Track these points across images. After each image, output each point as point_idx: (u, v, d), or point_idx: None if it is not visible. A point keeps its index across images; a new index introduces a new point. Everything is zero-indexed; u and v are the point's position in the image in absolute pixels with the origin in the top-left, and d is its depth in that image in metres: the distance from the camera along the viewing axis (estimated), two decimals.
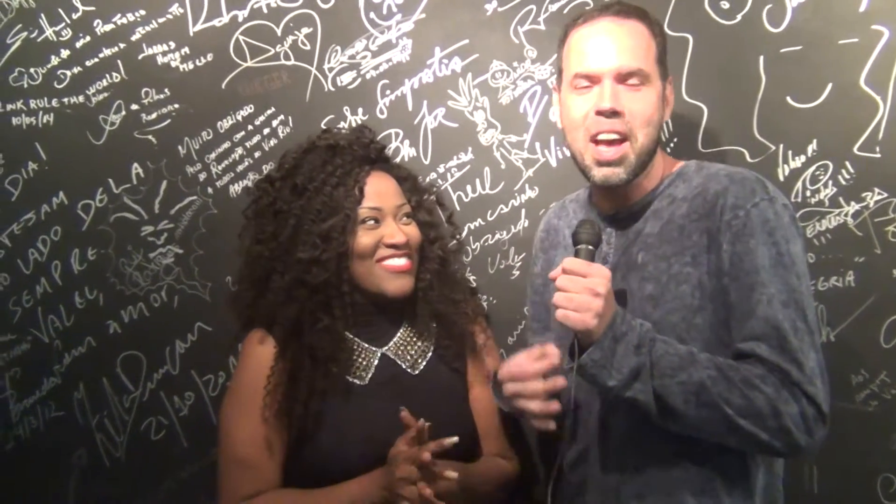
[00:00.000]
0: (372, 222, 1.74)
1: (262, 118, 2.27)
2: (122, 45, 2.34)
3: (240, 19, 2.26)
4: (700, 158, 1.72)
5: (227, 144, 2.29)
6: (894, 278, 1.88)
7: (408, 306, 1.82)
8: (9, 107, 2.42)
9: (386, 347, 1.79)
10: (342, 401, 1.72)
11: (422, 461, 1.54)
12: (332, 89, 2.22)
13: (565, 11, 2.05)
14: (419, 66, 2.17)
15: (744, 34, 1.94)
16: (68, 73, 2.38)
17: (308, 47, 2.23)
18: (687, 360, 1.44)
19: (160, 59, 2.32)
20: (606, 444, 1.60)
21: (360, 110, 2.21)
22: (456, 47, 2.15)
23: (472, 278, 2.11)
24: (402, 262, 1.75)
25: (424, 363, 1.80)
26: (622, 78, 1.55)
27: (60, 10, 2.37)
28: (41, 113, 2.40)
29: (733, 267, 1.48)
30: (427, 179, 2.09)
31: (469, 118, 2.15)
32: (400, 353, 1.79)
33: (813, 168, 1.92)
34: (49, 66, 2.39)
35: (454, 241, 1.93)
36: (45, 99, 2.40)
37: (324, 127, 2.15)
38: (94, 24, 2.35)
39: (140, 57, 2.33)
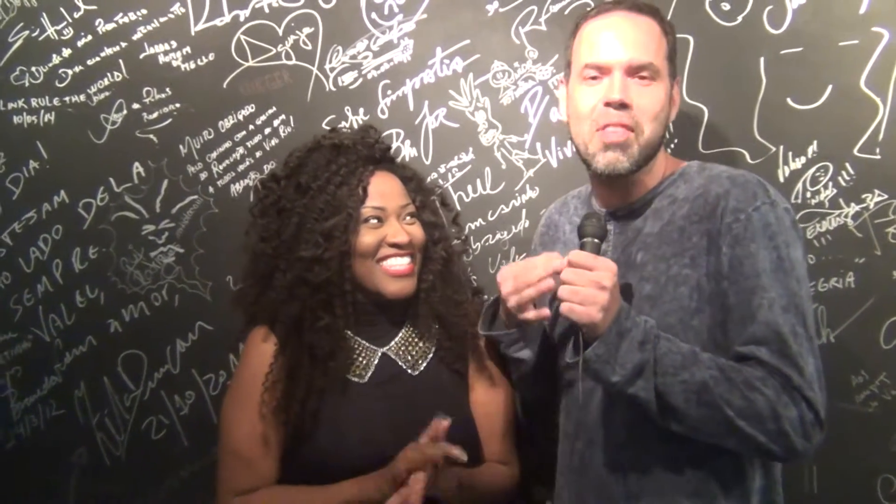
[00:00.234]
0: (375, 221, 1.75)
1: (263, 118, 2.27)
2: (123, 45, 2.34)
3: (241, 19, 2.26)
4: (700, 159, 1.72)
5: (228, 144, 2.30)
6: (894, 280, 1.88)
7: (410, 306, 1.82)
8: (10, 105, 2.42)
9: (387, 347, 1.80)
10: (340, 399, 1.73)
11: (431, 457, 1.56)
12: (334, 89, 2.23)
13: (566, 12, 2.06)
14: (420, 67, 2.17)
15: (744, 35, 1.95)
16: (70, 71, 2.38)
17: (309, 47, 2.23)
18: (690, 359, 1.44)
19: (161, 59, 2.32)
20: (603, 444, 1.60)
21: (361, 110, 2.21)
22: (457, 48, 2.15)
23: (472, 278, 2.11)
24: (403, 263, 1.75)
25: (425, 364, 1.80)
26: (632, 71, 1.55)
27: (62, 9, 2.37)
28: (42, 112, 2.41)
29: (733, 270, 1.48)
30: (428, 180, 2.09)
31: (470, 118, 2.15)
32: (401, 353, 1.80)
33: (813, 169, 1.92)
34: (50, 64, 2.39)
35: (458, 242, 1.94)
36: (47, 98, 2.40)
37: (327, 127, 2.16)
38: (96, 23, 2.35)
39: (141, 56, 2.33)
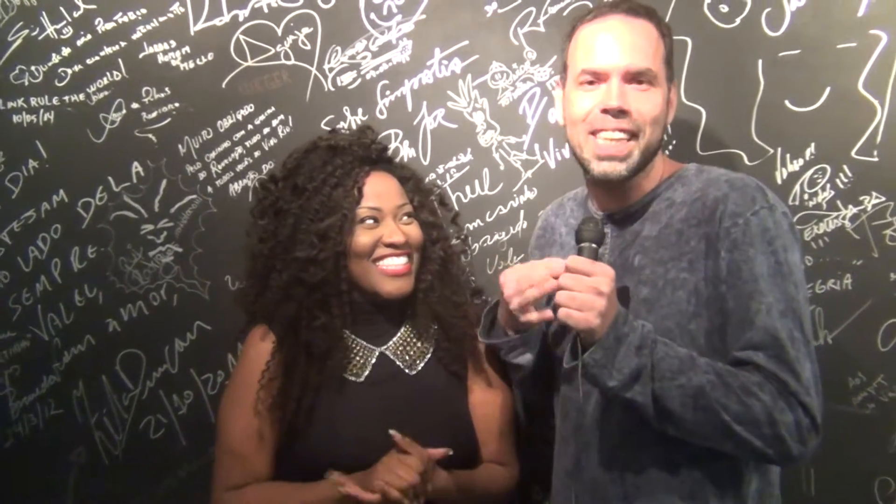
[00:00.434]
0: (371, 222, 1.75)
1: (262, 118, 2.28)
2: (122, 44, 2.35)
3: (240, 19, 2.26)
4: (698, 161, 1.72)
5: (226, 144, 2.30)
6: (892, 282, 1.88)
7: (409, 306, 1.82)
8: (9, 104, 2.43)
9: (385, 346, 1.80)
10: (336, 397, 1.74)
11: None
12: (332, 89, 2.23)
13: (565, 13, 2.05)
14: (419, 67, 2.17)
15: (742, 38, 1.94)
16: (69, 71, 2.39)
17: (308, 47, 2.23)
18: (687, 363, 1.44)
19: (161, 58, 2.32)
20: (598, 446, 1.60)
21: (359, 110, 2.21)
22: (456, 48, 2.15)
23: (472, 279, 2.12)
24: (400, 262, 1.75)
25: (423, 364, 1.81)
26: (630, 77, 1.54)
27: (62, 8, 2.37)
28: (42, 111, 2.41)
29: (731, 275, 1.47)
30: (427, 180, 2.09)
31: (468, 119, 2.15)
32: (398, 352, 1.80)
33: (811, 171, 1.92)
34: (50, 63, 2.39)
35: (458, 242, 1.94)
36: (46, 97, 2.41)
37: (326, 127, 2.17)
38: (95, 23, 2.36)
39: (141, 56, 2.33)
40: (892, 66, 1.85)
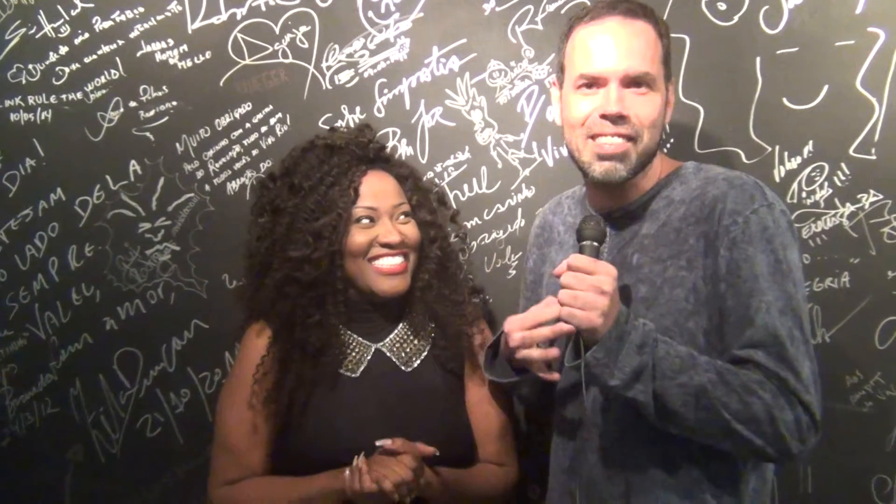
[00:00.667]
0: (367, 221, 1.75)
1: (259, 116, 2.27)
2: (120, 43, 2.34)
3: (238, 17, 2.26)
4: (696, 159, 1.72)
5: (224, 142, 2.30)
6: (889, 280, 1.88)
7: (406, 304, 1.83)
8: (7, 103, 2.42)
9: (381, 343, 1.80)
10: (331, 392, 1.75)
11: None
12: (330, 88, 2.23)
13: (563, 11, 2.05)
14: (417, 65, 2.17)
15: (740, 35, 1.94)
16: (67, 69, 2.38)
17: (306, 45, 2.23)
18: (688, 362, 1.44)
19: (158, 57, 2.32)
20: (596, 444, 1.60)
21: (357, 109, 2.21)
22: (454, 46, 2.15)
23: (470, 277, 2.11)
24: (395, 262, 1.75)
25: (419, 362, 1.81)
26: (629, 81, 1.53)
27: (59, 7, 2.37)
28: (39, 109, 2.41)
29: (730, 273, 1.47)
30: (425, 179, 2.09)
31: (466, 117, 2.15)
32: (395, 349, 1.80)
33: (809, 169, 1.92)
34: (47, 62, 2.39)
35: (457, 241, 1.94)
36: (44, 95, 2.40)
37: (324, 125, 2.17)
38: (93, 21, 2.35)
39: (138, 54, 2.33)
40: (890, 63, 1.85)
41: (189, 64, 2.31)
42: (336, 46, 2.22)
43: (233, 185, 2.30)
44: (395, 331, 1.82)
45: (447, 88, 2.16)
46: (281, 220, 1.77)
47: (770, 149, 1.94)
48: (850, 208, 1.90)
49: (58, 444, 2.42)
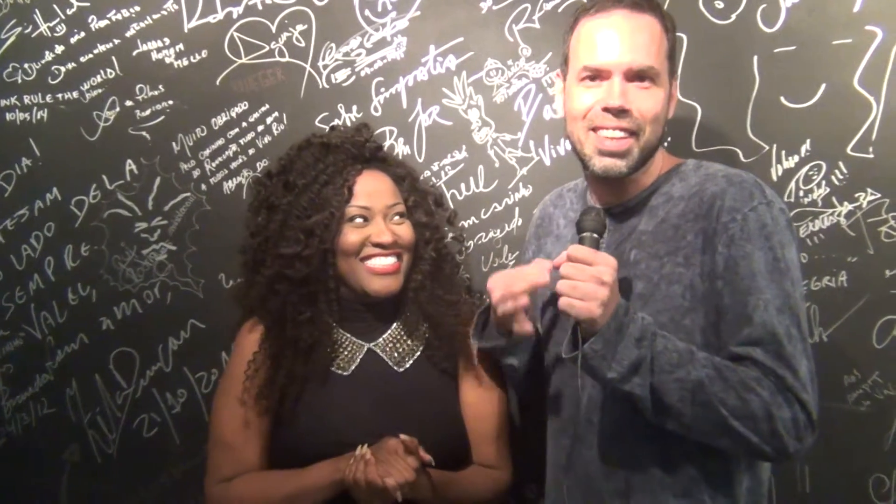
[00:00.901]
0: (360, 220, 1.75)
1: (256, 115, 2.27)
2: (116, 41, 2.33)
3: (234, 16, 2.25)
4: (694, 157, 1.71)
5: (220, 141, 2.29)
6: (887, 279, 1.88)
7: (400, 304, 1.82)
8: (2, 102, 2.41)
9: (374, 343, 1.80)
10: (322, 389, 1.75)
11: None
12: (327, 86, 2.22)
13: (560, 10, 2.05)
14: (414, 64, 2.17)
15: (738, 34, 1.94)
16: (62, 68, 2.37)
17: (303, 44, 2.23)
18: (686, 357, 1.43)
19: (154, 56, 2.31)
20: (591, 441, 1.59)
21: (354, 108, 2.20)
22: (450, 45, 2.14)
23: (466, 277, 2.11)
24: (387, 262, 1.75)
25: (411, 362, 1.81)
26: (632, 75, 1.53)
27: (55, 6, 2.36)
28: (35, 108, 2.40)
29: (728, 271, 1.47)
30: (421, 178, 2.09)
31: (463, 116, 2.15)
32: (387, 349, 1.80)
33: (806, 168, 1.92)
34: (43, 61, 2.38)
35: (454, 242, 1.94)
36: (39, 94, 2.39)
37: (320, 124, 2.16)
38: (89, 20, 2.34)
39: (134, 53, 2.32)
40: (887, 62, 1.85)
41: (185, 63, 2.30)
42: (332, 45, 2.21)
43: (229, 185, 2.29)
44: (389, 331, 1.82)
45: (444, 87, 2.15)
46: (274, 218, 1.77)
47: (767, 147, 1.94)
48: (847, 207, 1.90)
49: (54, 444, 2.41)
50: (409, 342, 1.81)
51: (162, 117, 2.32)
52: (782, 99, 1.92)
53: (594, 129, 1.55)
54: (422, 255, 1.83)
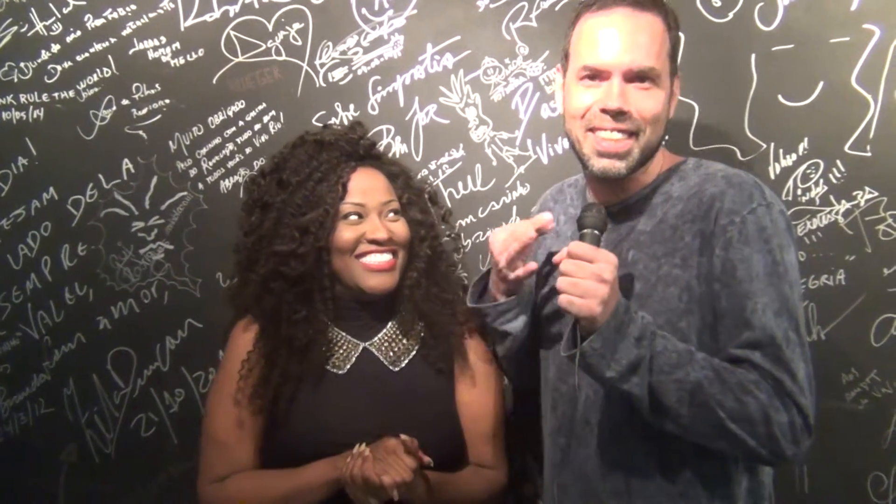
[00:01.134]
0: (354, 217, 1.74)
1: (253, 114, 2.26)
2: (112, 40, 2.33)
3: (231, 14, 2.25)
4: (691, 156, 1.71)
5: (217, 140, 2.29)
6: (885, 277, 1.88)
7: (395, 303, 1.82)
8: None
9: (369, 342, 1.80)
10: (317, 388, 1.74)
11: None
12: (324, 85, 2.22)
13: (557, 8, 2.05)
14: (411, 63, 2.17)
15: (735, 32, 1.94)
16: (59, 67, 2.37)
17: (299, 43, 2.22)
18: (685, 357, 1.42)
19: (151, 55, 2.31)
20: (588, 441, 1.59)
21: (351, 106, 2.20)
22: (448, 44, 2.14)
23: (464, 276, 2.11)
24: (383, 258, 1.75)
25: (407, 361, 1.80)
26: (632, 76, 1.50)
27: (51, 5, 2.36)
28: (31, 108, 2.39)
29: (726, 273, 1.46)
30: (418, 176, 2.08)
31: (460, 115, 2.15)
32: (383, 348, 1.79)
33: (804, 166, 1.92)
34: (39, 60, 2.37)
35: (449, 240, 1.93)
36: (36, 94, 2.39)
37: (317, 123, 2.16)
38: (85, 19, 2.34)
39: (131, 52, 2.32)
40: (885, 60, 1.85)
41: (182, 62, 2.30)
42: (329, 44, 2.21)
43: (226, 184, 2.29)
44: (384, 330, 1.81)
45: (441, 86, 2.15)
46: (269, 216, 1.76)
47: (765, 146, 1.94)
48: (845, 205, 1.90)
49: (52, 444, 2.41)
50: (404, 341, 1.81)
51: (158, 116, 2.32)
52: (780, 97, 1.92)
53: (592, 130, 1.53)
54: (417, 252, 1.82)
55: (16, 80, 2.39)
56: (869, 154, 1.87)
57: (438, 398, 1.80)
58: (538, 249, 1.77)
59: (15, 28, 2.39)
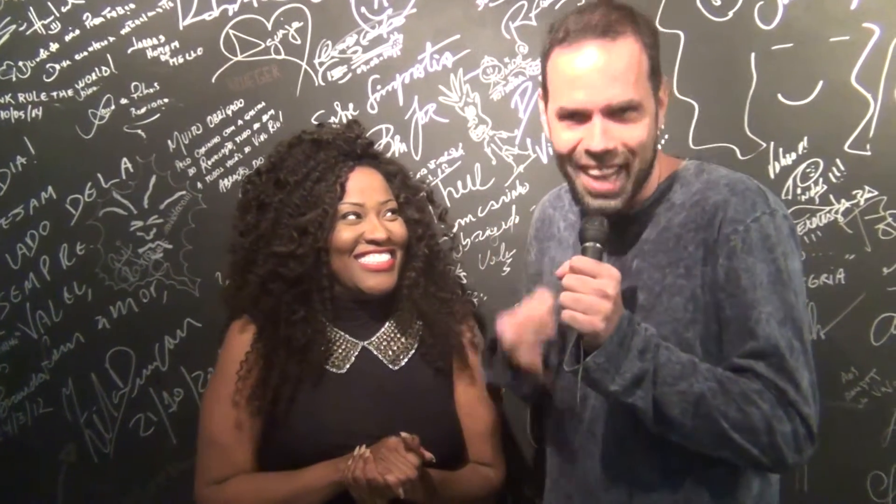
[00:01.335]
0: (353, 217, 1.74)
1: (252, 113, 2.26)
2: (111, 39, 2.32)
3: (230, 13, 2.24)
4: (691, 155, 1.70)
5: (216, 139, 2.28)
6: (884, 276, 1.88)
7: (394, 302, 1.81)
8: None
9: (368, 341, 1.79)
10: (317, 388, 1.74)
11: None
12: (323, 84, 2.21)
13: (556, 7, 2.05)
14: (410, 62, 2.16)
15: (735, 31, 1.94)
16: (57, 66, 2.36)
17: (298, 42, 2.22)
18: (688, 369, 1.42)
19: (150, 53, 2.30)
20: (593, 451, 1.58)
21: (350, 105, 2.20)
22: (447, 42, 2.14)
23: (462, 275, 2.11)
24: (382, 259, 1.74)
25: (406, 360, 1.80)
26: (612, 112, 1.44)
27: (50, 4, 2.35)
28: (30, 107, 2.38)
29: (730, 283, 1.45)
30: (418, 175, 2.08)
31: (460, 114, 2.14)
32: (382, 347, 1.79)
33: (804, 165, 1.91)
34: (38, 59, 2.37)
35: (445, 239, 1.93)
36: (34, 93, 2.38)
37: (317, 122, 2.15)
38: (84, 18, 2.33)
39: (129, 51, 2.31)
40: (884, 59, 1.85)
41: (180, 60, 2.29)
42: (328, 42, 2.21)
43: (225, 183, 2.29)
44: (382, 329, 1.81)
45: (441, 85, 2.15)
46: (266, 216, 1.76)
47: (765, 145, 1.94)
48: (845, 205, 1.89)
49: (50, 444, 2.40)
50: (402, 340, 1.81)
51: (157, 115, 2.31)
52: (780, 96, 1.92)
53: (582, 169, 1.49)
54: (415, 252, 1.82)
55: (14, 79, 2.38)
56: (868, 153, 1.87)
57: (438, 396, 1.80)
58: (542, 258, 1.77)
59: (13, 27, 2.38)
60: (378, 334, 1.80)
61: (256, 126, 2.26)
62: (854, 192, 1.88)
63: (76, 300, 2.37)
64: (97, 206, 2.35)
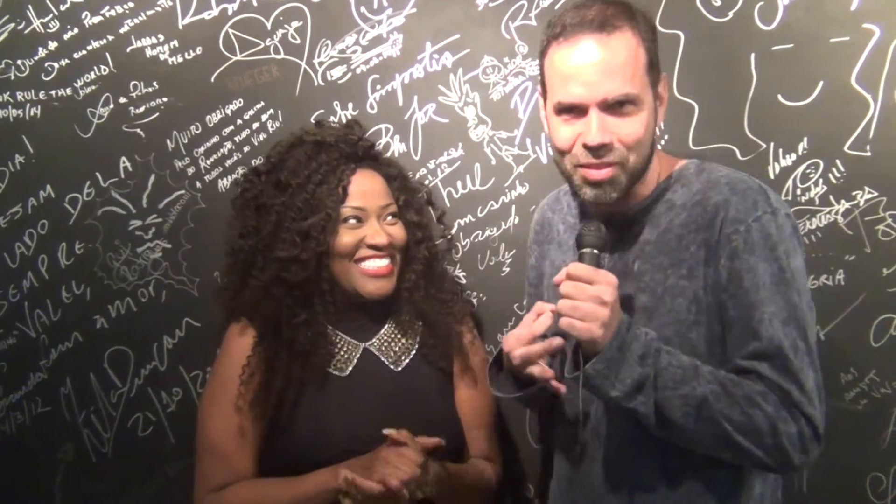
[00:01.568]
0: (354, 221, 1.74)
1: (251, 112, 2.25)
2: (110, 38, 2.32)
3: (229, 12, 2.24)
4: (691, 156, 1.70)
5: (215, 139, 2.28)
6: (884, 277, 1.88)
7: (394, 303, 1.81)
8: None
9: (369, 343, 1.79)
10: (320, 391, 1.73)
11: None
12: (322, 84, 2.21)
13: (557, 7, 2.04)
14: (410, 61, 2.16)
15: (735, 32, 1.93)
16: (56, 65, 2.36)
17: (298, 41, 2.21)
18: (690, 372, 1.41)
19: (149, 52, 2.30)
20: (597, 454, 1.58)
21: (350, 105, 2.19)
22: (447, 42, 2.13)
23: (461, 275, 2.11)
24: (382, 263, 1.74)
25: (408, 360, 1.80)
26: (609, 106, 1.44)
27: (48, 2, 2.34)
28: (28, 105, 2.38)
29: (732, 283, 1.44)
30: (417, 175, 2.08)
31: (460, 114, 2.14)
32: (383, 348, 1.79)
33: (803, 166, 1.91)
34: (36, 58, 2.36)
35: (443, 241, 1.92)
36: (33, 91, 2.37)
37: (314, 121, 2.15)
38: (83, 16, 2.33)
39: (128, 50, 2.31)
40: (885, 60, 1.84)
41: (180, 60, 2.29)
42: (328, 42, 2.20)
43: (224, 182, 2.28)
44: (383, 330, 1.81)
45: (440, 84, 2.14)
46: (267, 219, 1.75)
47: (765, 146, 1.93)
48: (844, 205, 1.89)
49: (48, 443, 2.40)
50: (403, 340, 1.81)
51: (156, 114, 2.30)
52: (780, 97, 1.91)
53: (580, 166, 1.49)
54: (414, 254, 1.82)
55: (12, 77, 2.38)
56: (868, 154, 1.86)
57: (441, 396, 1.80)
58: (543, 261, 1.76)
59: (12, 25, 2.37)
60: (378, 335, 1.80)
61: (256, 125, 2.26)
62: (854, 193, 1.88)
63: (75, 299, 2.37)
64: (96, 206, 2.35)
